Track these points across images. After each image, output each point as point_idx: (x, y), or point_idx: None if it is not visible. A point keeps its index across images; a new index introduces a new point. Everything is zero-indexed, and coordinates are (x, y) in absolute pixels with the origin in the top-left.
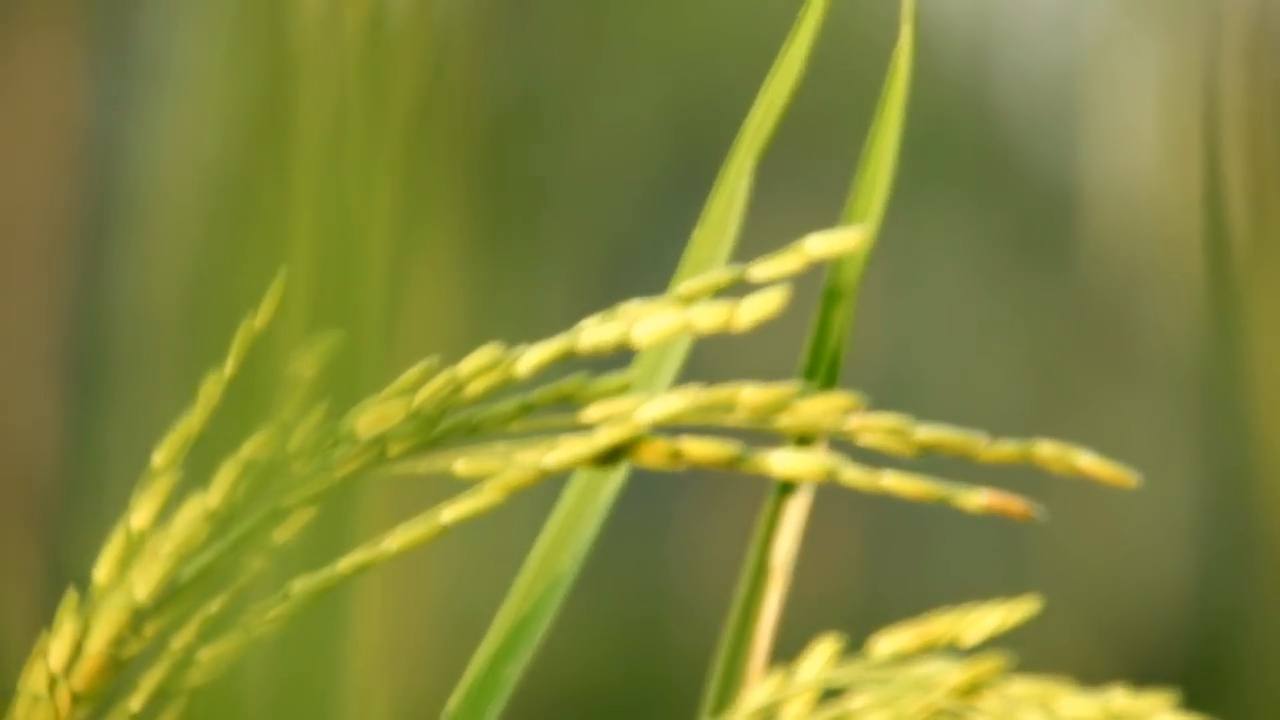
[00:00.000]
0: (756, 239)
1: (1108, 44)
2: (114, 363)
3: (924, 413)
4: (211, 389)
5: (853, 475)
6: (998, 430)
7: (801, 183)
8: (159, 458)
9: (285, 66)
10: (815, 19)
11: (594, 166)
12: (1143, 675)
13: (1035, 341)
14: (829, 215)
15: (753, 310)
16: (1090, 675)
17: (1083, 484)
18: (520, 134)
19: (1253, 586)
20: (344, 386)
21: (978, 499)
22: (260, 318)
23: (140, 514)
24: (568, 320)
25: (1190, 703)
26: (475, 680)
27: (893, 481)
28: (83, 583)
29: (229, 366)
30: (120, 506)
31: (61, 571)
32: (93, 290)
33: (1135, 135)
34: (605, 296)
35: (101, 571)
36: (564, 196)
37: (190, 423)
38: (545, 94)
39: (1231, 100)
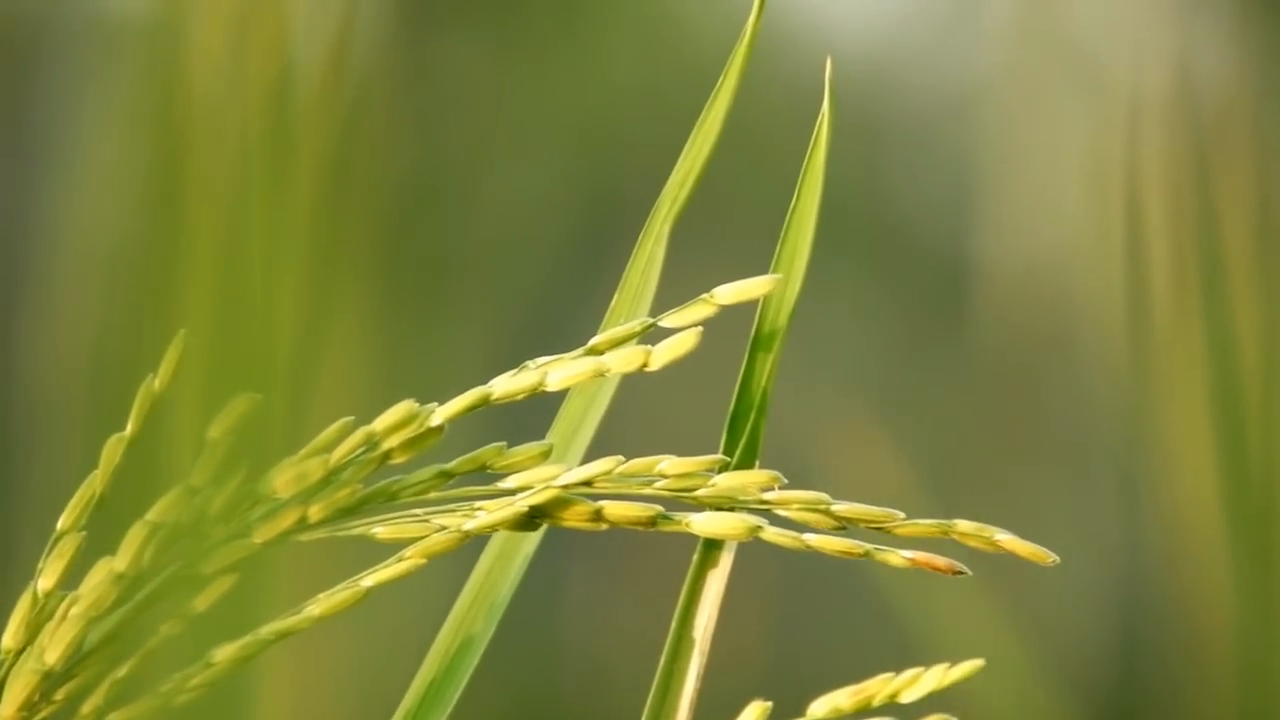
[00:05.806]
0: (674, 302)
1: (1008, 118)
2: (18, 433)
3: (827, 489)
4: (112, 451)
5: (774, 534)
6: (903, 504)
7: (719, 248)
8: (64, 520)
9: (186, 138)
10: (731, 89)
11: (499, 233)
12: None
13: (937, 416)
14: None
15: (665, 353)
16: None
17: (998, 555)
18: (427, 202)
19: (1171, 656)
20: (250, 452)
21: (902, 556)
22: (160, 380)
23: (47, 577)
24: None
25: None
26: None
27: (816, 540)
28: None
29: (130, 428)
30: (27, 574)
31: None
32: None
33: (1051, 207)
34: (513, 362)
35: (9, 636)
36: (470, 263)
37: (93, 485)
38: (451, 163)
39: (1150, 170)
